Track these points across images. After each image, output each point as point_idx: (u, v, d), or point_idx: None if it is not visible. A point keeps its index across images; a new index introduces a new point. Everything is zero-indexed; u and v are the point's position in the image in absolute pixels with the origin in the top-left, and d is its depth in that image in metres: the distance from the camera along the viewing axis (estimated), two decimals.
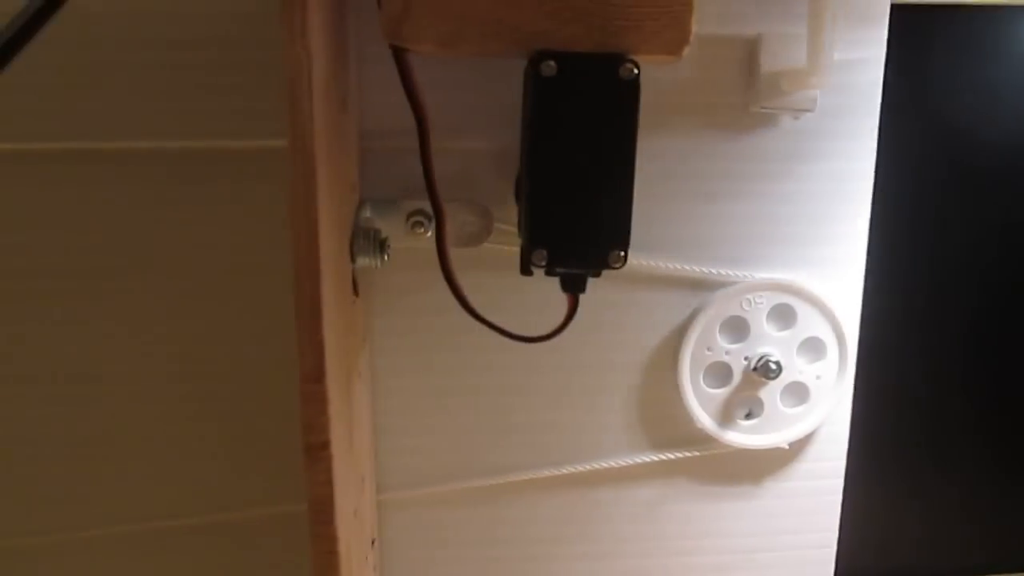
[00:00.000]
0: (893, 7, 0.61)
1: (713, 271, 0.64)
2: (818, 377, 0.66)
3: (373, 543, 0.67)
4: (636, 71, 0.47)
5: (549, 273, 0.53)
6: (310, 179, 0.45)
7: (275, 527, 0.70)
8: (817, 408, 0.67)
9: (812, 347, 0.66)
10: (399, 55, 0.50)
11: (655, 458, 0.68)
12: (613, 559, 0.72)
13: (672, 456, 0.68)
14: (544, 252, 0.50)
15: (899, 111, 0.65)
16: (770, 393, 0.66)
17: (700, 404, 0.66)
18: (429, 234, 0.60)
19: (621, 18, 0.46)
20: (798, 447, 0.69)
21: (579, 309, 0.56)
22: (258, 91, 0.60)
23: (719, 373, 0.66)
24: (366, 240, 0.56)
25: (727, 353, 0.65)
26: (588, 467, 0.69)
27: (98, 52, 0.60)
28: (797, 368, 0.65)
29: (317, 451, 0.48)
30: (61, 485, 0.68)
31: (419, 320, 0.65)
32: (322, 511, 0.49)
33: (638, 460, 0.68)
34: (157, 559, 0.70)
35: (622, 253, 0.50)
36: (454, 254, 0.55)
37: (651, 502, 0.70)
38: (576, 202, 0.49)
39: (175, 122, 0.61)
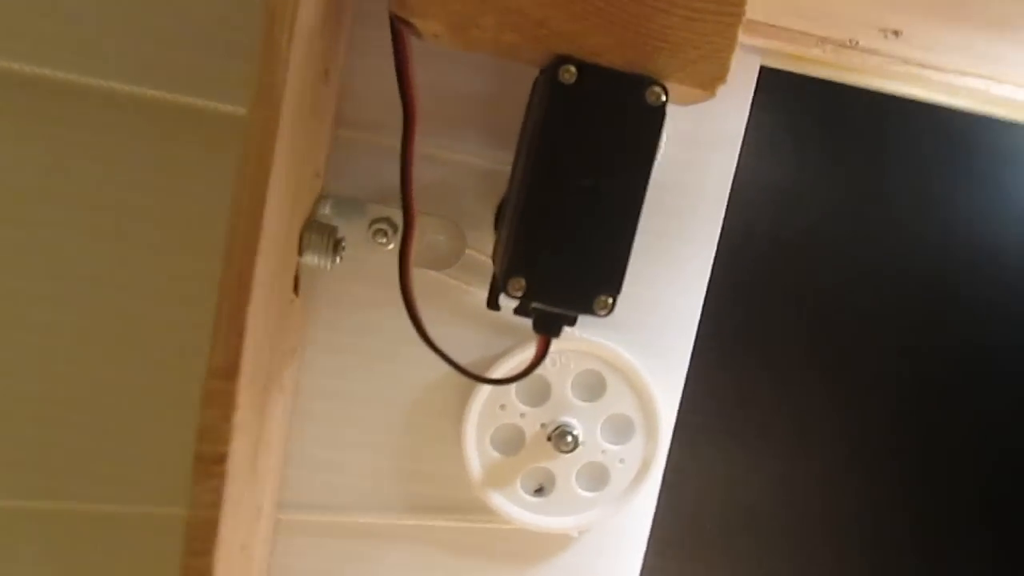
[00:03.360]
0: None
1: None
2: (621, 461, 0.62)
3: None
4: (664, 98, 0.43)
5: (519, 309, 0.47)
6: (269, 133, 0.36)
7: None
8: (615, 496, 0.63)
9: (619, 425, 0.62)
10: (398, 32, 0.44)
11: (422, 522, 0.61)
12: None
13: (442, 523, 0.62)
14: (522, 281, 0.44)
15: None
16: (565, 469, 0.61)
17: (482, 467, 0.60)
18: (391, 246, 0.54)
19: (658, 39, 0.42)
20: (589, 538, 0.65)
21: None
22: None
23: (510, 436, 0.61)
24: (319, 235, 0.49)
25: (522, 415, 0.60)
26: (343, 518, 0.60)
27: None
28: (599, 446, 0.61)
29: (210, 464, 0.38)
30: None
31: (360, 340, 0.58)
32: (200, 539, 0.39)
33: (402, 520, 0.61)
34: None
35: (610, 300, 0.44)
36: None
37: (409, 571, 0.63)
38: (570, 232, 0.44)
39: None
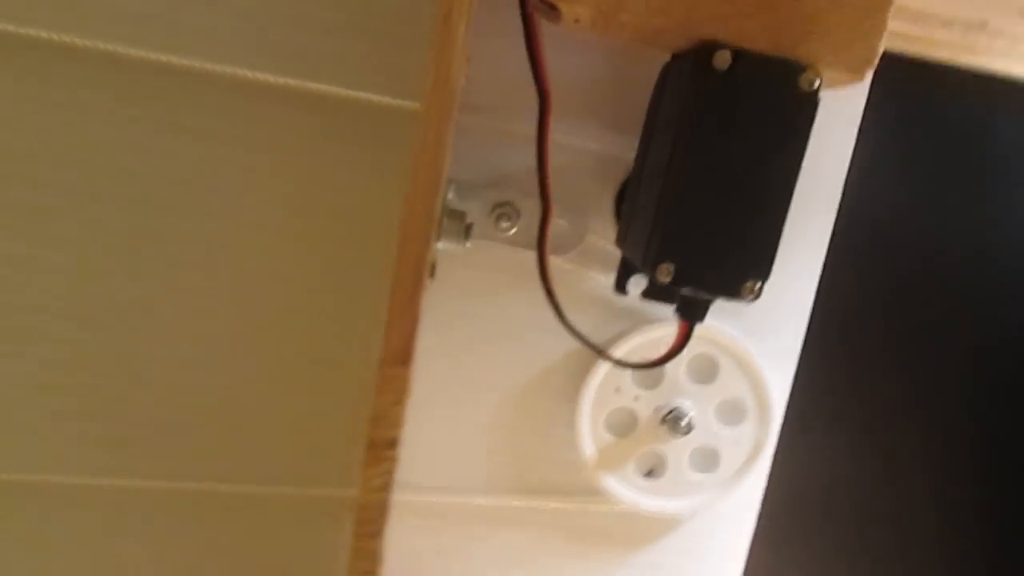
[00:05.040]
0: None
1: (638, 300, 0.57)
2: (734, 444, 0.62)
3: None
4: (818, 84, 0.43)
5: (651, 294, 0.48)
6: (444, 123, 0.36)
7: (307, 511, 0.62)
8: (726, 478, 0.63)
9: (731, 409, 0.62)
10: (529, 17, 0.44)
11: (535, 504, 0.62)
12: None
13: (555, 505, 0.62)
14: (672, 267, 0.43)
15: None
16: (677, 451, 0.61)
17: (596, 449, 0.61)
18: (513, 231, 0.55)
19: (809, 22, 0.42)
20: (698, 520, 0.65)
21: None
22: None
23: (623, 419, 0.61)
24: (452, 221, 0.49)
25: (636, 399, 0.60)
26: (458, 499, 0.61)
27: None
28: (711, 429, 0.61)
29: (382, 449, 0.39)
30: (108, 427, 0.58)
31: (477, 324, 0.59)
32: (373, 521, 0.39)
33: (515, 502, 0.61)
34: (182, 521, 0.61)
35: (758, 285, 0.44)
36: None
37: (522, 551, 0.63)
38: (720, 218, 0.44)
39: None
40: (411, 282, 0.36)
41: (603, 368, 0.59)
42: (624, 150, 0.55)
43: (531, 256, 0.52)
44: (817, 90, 0.43)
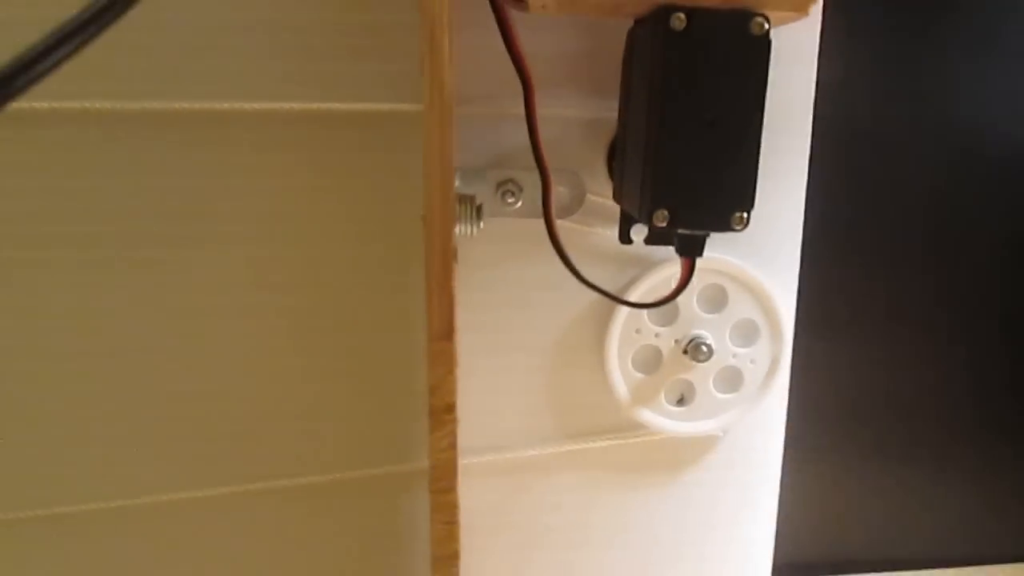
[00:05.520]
0: None
1: (642, 247, 0.62)
2: (752, 362, 0.67)
3: None
4: (767, 26, 0.47)
5: (653, 239, 0.54)
6: (446, 123, 0.40)
7: (380, 488, 0.68)
8: (751, 394, 0.68)
9: (745, 330, 0.67)
10: (500, 9, 0.50)
11: (580, 446, 0.67)
12: (537, 551, 0.70)
13: (599, 444, 0.67)
14: (665, 212, 0.49)
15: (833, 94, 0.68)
16: (702, 377, 0.67)
17: (629, 389, 0.66)
18: (519, 204, 0.59)
19: None
20: (732, 435, 0.70)
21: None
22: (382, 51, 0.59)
23: (648, 357, 0.67)
24: (463, 206, 0.54)
25: (657, 335, 0.66)
26: (510, 455, 0.66)
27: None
28: (730, 351, 0.67)
29: (442, 414, 0.44)
30: (170, 443, 0.65)
31: (501, 294, 0.64)
32: (444, 478, 0.45)
33: (562, 448, 0.67)
34: (268, 519, 0.68)
35: (745, 215, 0.49)
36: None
37: (576, 492, 0.69)
38: (701, 163, 0.48)
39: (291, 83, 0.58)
40: (441, 268, 0.41)
41: (622, 313, 0.64)
42: (605, 111, 0.60)
43: (539, 224, 0.57)
44: (767, 32, 0.47)
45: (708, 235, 0.52)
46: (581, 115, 0.61)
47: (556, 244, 0.54)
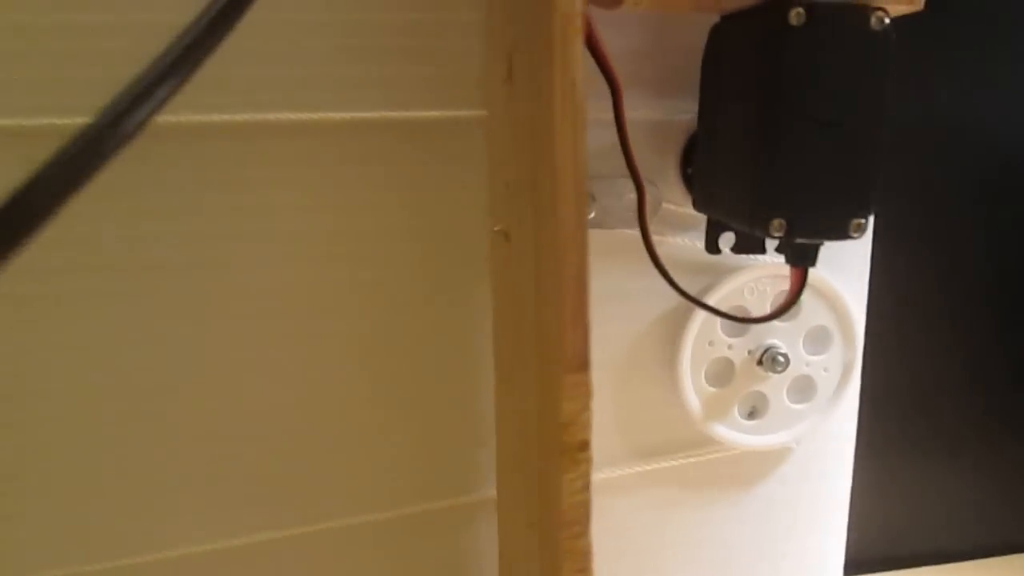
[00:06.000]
0: None
1: (715, 257, 0.59)
2: (825, 370, 0.65)
3: None
4: (887, 20, 0.45)
5: (748, 246, 0.52)
6: (580, 119, 0.37)
7: (443, 523, 0.64)
8: (824, 403, 0.65)
9: (818, 337, 0.64)
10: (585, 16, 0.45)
11: (652, 467, 0.64)
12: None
13: (670, 463, 0.64)
14: (782, 221, 0.45)
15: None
16: (775, 388, 0.64)
17: (702, 404, 0.63)
18: (592, 215, 0.56)
19: None
20: (805, 446, 0.67)
21: None
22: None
23: (720, 369, 0.64)
24: None
25: (729, 347, 0.63)
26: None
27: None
28: (803, 360, 0.64)
29: (576, 452, 0.40)
30: (238, 486, 0.60)
31: None
32: (578, 523, 0.41)
33: (632, 470, 0.63)
34: (323, 563, 0.63)
35: (863, 222, 0.46)
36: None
37: (650, 512, 0.66)
38: (818, 167, 0.46)
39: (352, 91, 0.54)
40: (577, 289, 0.37)
41: (695, 326, 0.61)
42: (674, 113, 0.57)
43: (605, 235, 0.54)
44: (889, 26, 0.44)
45: (823, 243, 0.49)
46: (647, 117, 0.58)
47: (654, 256, 0.51)
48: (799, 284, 0.51)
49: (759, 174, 0.46)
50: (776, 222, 0.46)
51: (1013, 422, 0.84)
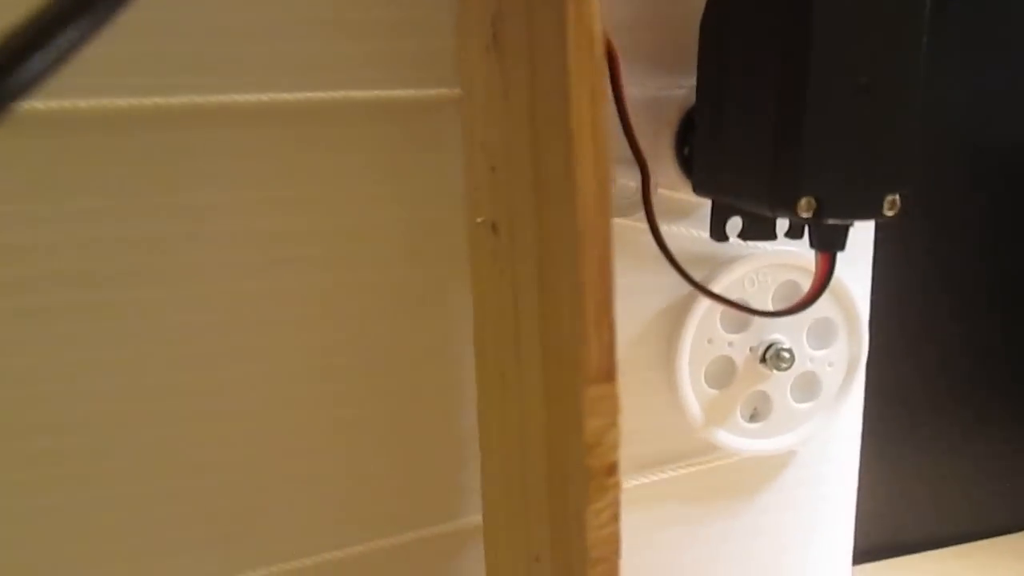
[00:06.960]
0: None
1: (710, 246, 0.54)
2: (830, 365, 0.59)
3: None
4: None
5: (755, 233, 0.48)
6: (599, 92, 0.31)
7: (429, 553, 0.58)
8: (829, 401, 0.60)
9: (822, 330, 0.59)
10: None
11: (649, 479, 0.58)
12: None
13: (668, 475, 0.59)
14: (812, 200, 0.40)
15: None
16: (779, 387, 0.58)
17: (701, 407, 0.57)
18: None
19: None
20: (809, 447, 0.62)
21: None
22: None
23: (720, 369, 0.58)
24: None
25: (730, 344, 0.57)
26: None
27: None
28: (807, 355, 0.58)
29: (603, 478, 0.34)
30: (206, 525, 0.53)
31: None
32: (607, 559, 0.34)
33: (628, 484, 0.57)
34: None
35: (897, 198, 0.41)
36: None
37: (648, 528, 0.60)
38: (852, 140, 0.40)
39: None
40: (602, 289, 0.32)
41: (693, 324, 0.56)
42: (664, 89, 0.52)
43: None
44: None
45: (852, 224, 0.43)
46: (634, 95, 0.52)
47: (662, 246, 0.46)
48: (826, 271, 0.45)
49: (787, 148, 0.40)
50: (804, 201, 0.40)
51: (1019, 414, 0.81)
